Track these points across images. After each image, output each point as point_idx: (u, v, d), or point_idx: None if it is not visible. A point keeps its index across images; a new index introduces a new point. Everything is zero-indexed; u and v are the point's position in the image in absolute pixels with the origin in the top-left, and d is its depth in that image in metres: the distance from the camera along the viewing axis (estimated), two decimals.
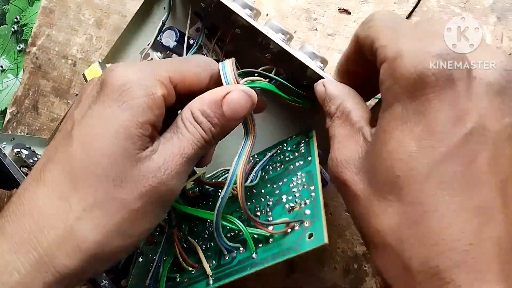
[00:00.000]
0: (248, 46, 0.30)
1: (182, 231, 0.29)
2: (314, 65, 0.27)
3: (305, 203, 0.24)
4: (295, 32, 0.34)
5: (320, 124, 0.26)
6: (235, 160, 0.23)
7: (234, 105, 0.22)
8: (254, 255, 0.23)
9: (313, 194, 0.24)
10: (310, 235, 0.21)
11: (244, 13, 0.28)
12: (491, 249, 0.16)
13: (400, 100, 0.19)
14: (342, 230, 0.32)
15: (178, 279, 0.27)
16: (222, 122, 0.22)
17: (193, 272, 0.26)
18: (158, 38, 0.33)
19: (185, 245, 0.28)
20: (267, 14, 0.35)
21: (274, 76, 0.27)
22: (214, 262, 0.26)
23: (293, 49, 0.28)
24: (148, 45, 0.34)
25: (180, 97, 0.23)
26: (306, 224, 0.22)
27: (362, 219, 0.20)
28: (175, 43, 0.32)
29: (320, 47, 0.33)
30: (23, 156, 0.36)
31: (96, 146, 0.20)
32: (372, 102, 0.28)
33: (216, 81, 0.23)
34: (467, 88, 0.18)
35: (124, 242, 0.20)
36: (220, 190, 0.31)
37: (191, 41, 0.32)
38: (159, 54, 0.35)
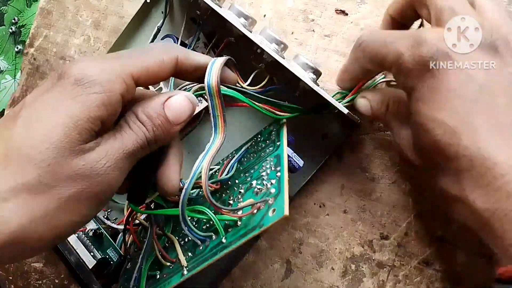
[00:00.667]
0: (244, 54, 0.30)
1: (162, 227, 0.29)
2: (307, 77, 0.27)
3: (271, 183, 0.24)
4: (292, 33, 0.34)
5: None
6: (202, 155, 0.24)
7: (175, 109, 0.23)
8: (223, 240, 0.24)
9: (278, 174, 0.24)
10: (273, 211, 0.21)
11: (239, 23, 0.28)
12: None
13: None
14: (339, 231, 0.32)
15: (158, 276, 0.27)
16: (164, 124, 0.23)
17: (171, 267, 0.26)
18: None
19: (167, 244, 0.29)
20: (264, 15, 0.35)
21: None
22: (190, 254, 0.26)
23: (287, 59, 0.28)
24: None
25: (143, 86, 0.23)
26: (270, 202, 0.22)
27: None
28: None
29: (318, 48, 0.33)
30: None
31: (39, 130, 0.19)
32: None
33: (182, 66, 0.24)
34: None
35: (48, 231, 0.20)
36: (201, 191, 0.31)
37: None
38: None
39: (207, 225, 0.27)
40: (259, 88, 0.29)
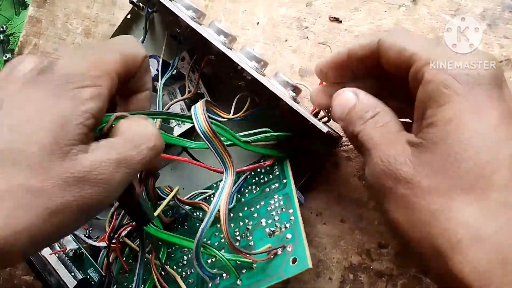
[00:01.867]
0: (225, 71, 0.30)
1: (160, 258, 0.28)
2: (286, 95, 0.27)
3: (285, 227, 0.25)
4: (286, 40, 0.34)
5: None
6: (217, 194, 0.24)
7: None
8: (238, 282, 0.24)
9: (292, 217, 0.25)
10: (294, 260, 0.22)
11: (218, 41, 0.28)
12: None
13: (461, 94, 0.19)
14: (337, 240, 0.31)
15: None
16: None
17: None
18: None
19: (162, 273, 0.28)
20: (258, 23, 0.35)
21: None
22: None
23: (267, 77, 0.28)
24: None
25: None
26: (289, 249, 0.23)
27: (433, 217, 0.19)
28: (157, 72, 0.32)
29: (312, 56, 0.33)
30: None
31: (25, 131, 0.18)
32: None
33: (144, 62, 0.24)
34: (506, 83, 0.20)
35: (30, 245, 0.17)
36: (196, 211, 0.31)
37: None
38: None
39: (212, 259, 0.27)
40: (243, 113, 0.29)
